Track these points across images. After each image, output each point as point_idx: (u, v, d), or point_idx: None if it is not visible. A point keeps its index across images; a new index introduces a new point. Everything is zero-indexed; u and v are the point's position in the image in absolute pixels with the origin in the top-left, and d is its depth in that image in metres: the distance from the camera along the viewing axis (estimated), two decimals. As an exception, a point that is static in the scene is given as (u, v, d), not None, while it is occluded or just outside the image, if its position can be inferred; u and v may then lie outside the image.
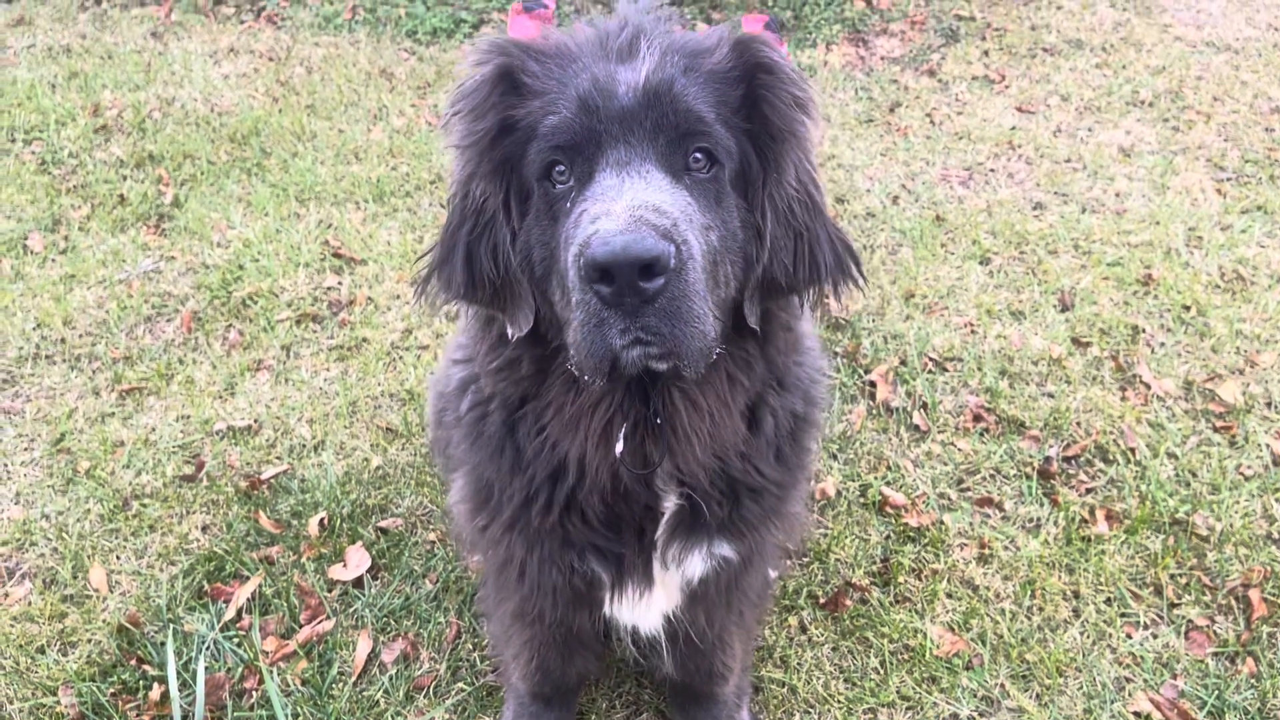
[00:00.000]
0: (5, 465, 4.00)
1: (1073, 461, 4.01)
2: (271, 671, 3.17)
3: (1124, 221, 5.64)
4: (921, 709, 3.11)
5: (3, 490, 3.88)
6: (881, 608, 3.41)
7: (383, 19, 8.85)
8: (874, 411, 4.28)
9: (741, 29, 1.99)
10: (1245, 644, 3.28)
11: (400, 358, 4.59)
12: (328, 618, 3.38)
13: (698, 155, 1.84)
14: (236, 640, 3.29)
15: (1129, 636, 3.32)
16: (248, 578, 3.51)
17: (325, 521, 3.72)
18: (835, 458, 4.04)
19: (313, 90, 7.41)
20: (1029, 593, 3.46)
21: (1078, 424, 4.17)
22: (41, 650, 3.26)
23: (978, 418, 4.21)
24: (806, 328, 2.34)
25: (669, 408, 1.97)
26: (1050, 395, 4.35)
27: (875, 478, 3.93)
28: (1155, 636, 3.32)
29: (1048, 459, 3.99)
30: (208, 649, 3.25)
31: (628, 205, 1.65)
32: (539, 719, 2.97)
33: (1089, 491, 3.87)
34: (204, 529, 3.72)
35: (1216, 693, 3.12)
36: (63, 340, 4.68)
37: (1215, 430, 4.14)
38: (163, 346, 4.67)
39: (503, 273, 1.93)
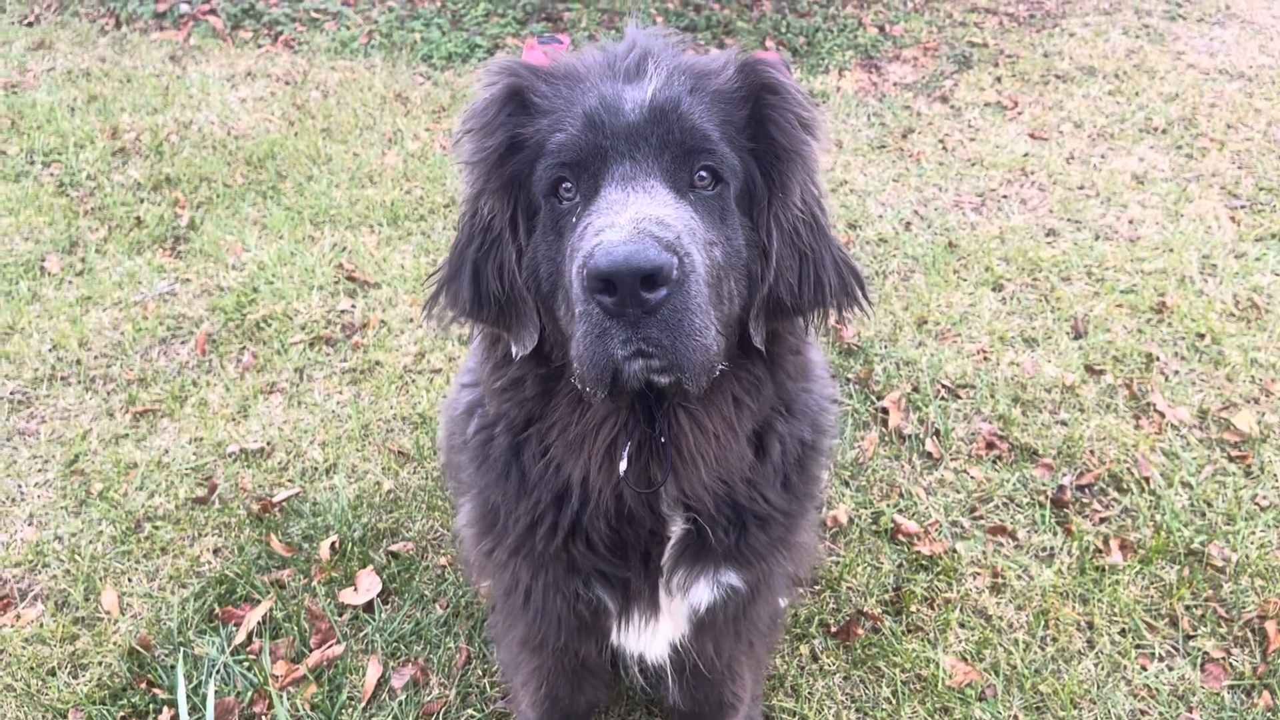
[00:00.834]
0: (19, 486, 4.02)
1: (1086, 490, 3.99)
2: (281, 696, 3.17)
3: (1137, 249, 5.63)
4: (934, 740, 3.09)
5: (16, 511, 3.90)
6: (894, 637, 3.39)
7: (398, 44, 8.93)
8: (886, 438, 4.27)
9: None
10: (1262, 677, 3.24)
11: (413, 381, 4.60)
12: (338, 642, 3.37)
13: (703, 173, 1.85)
14: (247, 664, 3.29)
15: (1144, 668, 3.29)
16: (259, 601, 3.51)
17: (336, 545, 3.72)
18: (847, 484, 4.03)
19: (328, 114, 7.48)
20: (1042, 623, 3.43)
21: (1091, 452, 4.15)
22: (52, 672, 3.26)
23: (990, 445, 4.20)
24: (816, 356, 2.33)
25: (674, 428, 1.97)
26: (1063, 423, 4.33)
27: (887, 505, 3.91)
28: (1171, 669, 3.29)
29: (1061, 487, 3.97)
30: (218, 672, 3.25)
31: (631, 218, 1.67)
32: (548, 747, 2.95)
33: (1103, 521, 3.85)
34: (215, 552, 3.73)
35: (1233, 727, 3.09)
36: (78, 361, 4.71)
37: (1230, 460, 4.11)
38: (177, 368, 4.70)
39: (508, 290, 1.95)
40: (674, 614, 2.39)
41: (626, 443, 1.97)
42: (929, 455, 4.17)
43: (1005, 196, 6.31)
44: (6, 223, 5.87)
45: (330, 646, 3.35)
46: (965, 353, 4.78)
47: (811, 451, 2.29)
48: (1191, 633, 3.40)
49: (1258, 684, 3.22)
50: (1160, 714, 3.14)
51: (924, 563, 3.68)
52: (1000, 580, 3.60)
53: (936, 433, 4.28)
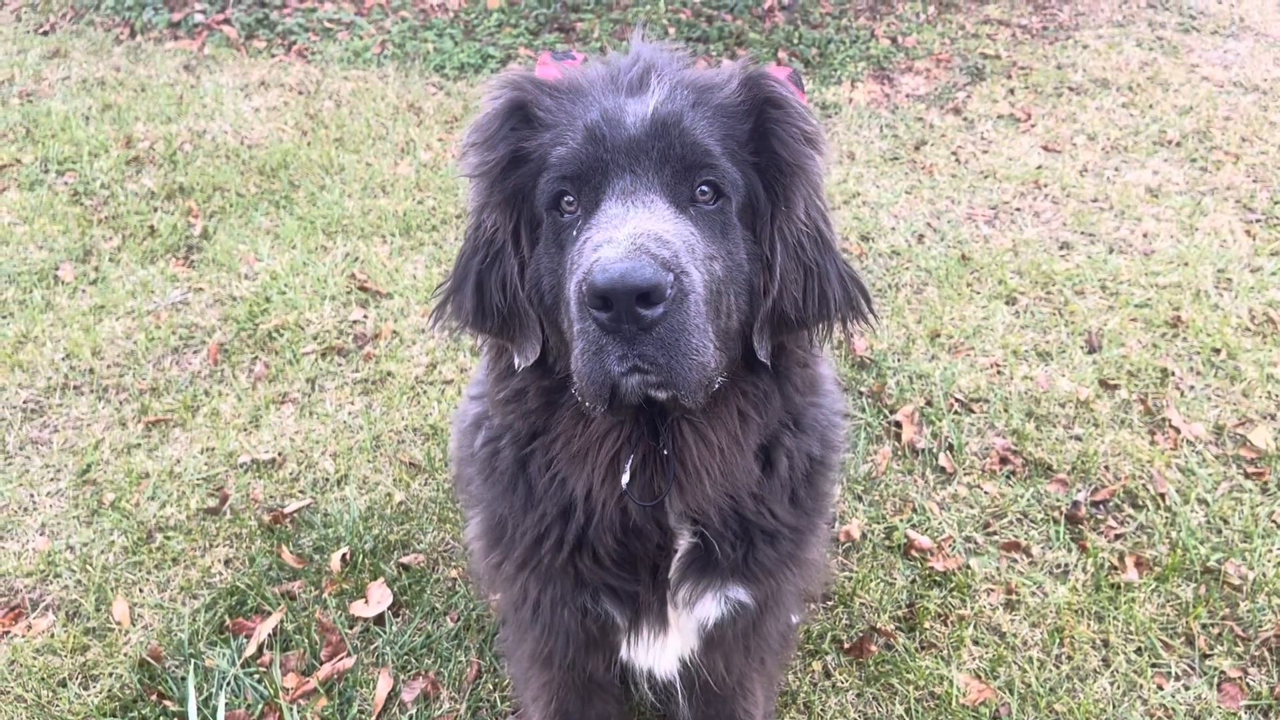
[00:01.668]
0: (32, 496, 4.03)
1: (1101, 506, 3.96)
2: (292, 709, 3.16)
3: (1152, 262, 5.60)
4: (947, 759, 3.06)
5: (29, 521, 3.90)
6: (907, 654, 3.37)
7: (411, 54, 8.96)
8: (899, 453, 4.25)
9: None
10: (1279, 697, 3.21)
11: (424, 392, 4.60)
12: (349, 655, 3.36)
13: (704, 188, 1.85)
14: (257, 676, 3.28)
15: (1160, 688, 3.26)
16: (269, 613, 3.50)
17: (347, 557, 3.71)
18: (860, 499, 4.01)
19: (341, 124, 7.50)
20: (1057, 641, 3.40)
21: (1106, 468, 4.12)
22: (63, 684, 3.26)
23: (1004, 460, 4.17)
24: (826, 371, 2.32)
25: (678, 441, 1.96)
26: (1078, 438, 4.30)
27: (900, 520, 3.89)
28: (1187, 688, 3.26)
29: (1075, 503, 3.94)
30: (228, 685, 3.24)
31: (630, 234, 1.66)
32: (559, 763, 2.93)
33: (1118, 537, 3.82)
34: (226, 563, 3.72)
35: (1251, 748, 3.06)
36: (91, 371, 4.72)
37: (1247, 476, 4.08)
38: (189, 378, 4.70)
39: (510, 302, 1.95)
40: (682, 629, 2.37)
41: (629, 456, 1.97)
42: (942, 470, 4.15)
43: (1018, 209, 6.28)
44: (21, 231, 5.90)
45: (341, 659, 3.34)
46: (979, 366, 4.75)
47: (820, 467, 2.28)
48: (1208, 652, 3.37)
49: (1275, 704, 3.19)
50: (1177, 734, 3.11)
51: (937, 579, 3.65)
52: (1014, 597, 3.58)
53: (950, 447, 4.25)
